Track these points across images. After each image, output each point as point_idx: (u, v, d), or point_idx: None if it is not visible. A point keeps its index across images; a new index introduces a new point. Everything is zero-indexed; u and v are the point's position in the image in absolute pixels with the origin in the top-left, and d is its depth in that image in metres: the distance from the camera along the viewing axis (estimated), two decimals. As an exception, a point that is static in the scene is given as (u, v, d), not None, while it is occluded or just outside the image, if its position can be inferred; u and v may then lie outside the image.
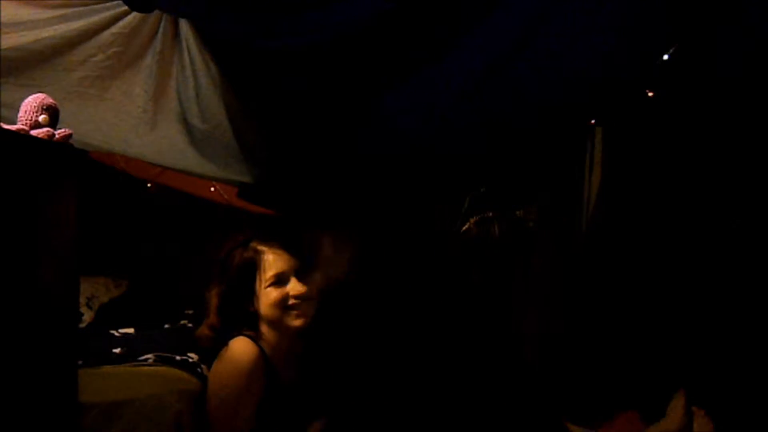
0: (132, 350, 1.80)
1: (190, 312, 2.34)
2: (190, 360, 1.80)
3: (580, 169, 1.92)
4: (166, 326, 2.21)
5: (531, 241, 2.06)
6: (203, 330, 1.75)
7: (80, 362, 1.45)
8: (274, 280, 1.74)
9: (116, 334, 1.95)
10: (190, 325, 2.20)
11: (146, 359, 1.76)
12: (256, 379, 1.67)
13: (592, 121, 1.83)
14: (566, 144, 1.99)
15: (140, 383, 1.64)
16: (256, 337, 1.72)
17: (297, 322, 1.75)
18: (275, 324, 1.75)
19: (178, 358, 1.79)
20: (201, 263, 1.85)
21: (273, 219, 2.42)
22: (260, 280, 1.73)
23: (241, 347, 1.68)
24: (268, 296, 1.73)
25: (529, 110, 1.64)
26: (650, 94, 1.51)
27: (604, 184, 1.84)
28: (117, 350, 1.79)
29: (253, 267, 1.74)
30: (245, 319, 1.75)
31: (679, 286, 0.76)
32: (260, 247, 1.77)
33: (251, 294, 1.74)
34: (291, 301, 1.74)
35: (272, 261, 1.75)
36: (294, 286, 1.75)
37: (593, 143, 1.88)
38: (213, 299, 1.75)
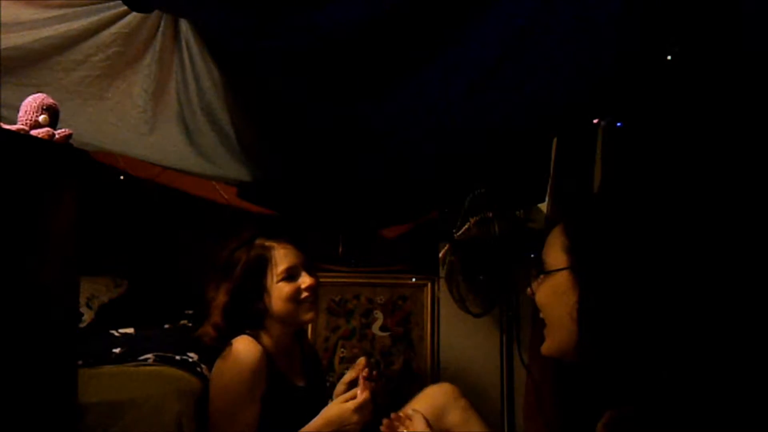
0: (132, 350, 1.80)
1: (190, 312, 2.34)
2: (190, 360, 1.80)
3: (582, 169, 1.91)
4: (166, 326, 2.21)
5: (531, 241, 2.06)
6: (206, 329, 1.74)
7: (80, 362, 1.45)
8: (286, 274, 1.75)
9: (116, 334, 1.95)
10: (190, 325, 2.21)
11: (146, 359, 1.76)
12: (260, 378, 1.67)
13: (594, 121, 1.83)
14: (568, 144, 1.99)
15: (140, 383, 1.65)
16: (257, 336, 1.73)
17: (308, 315, 1.78)
18: (286, 319, 1.76)
19: (177, 357, 1.79)
20: (201, 263, 1.85)
21: (273, 219, 2.42)
22: (271, 275, 1.74)
23: (244, 346, 1.68)
24: (280, 291, 1.74)
25: (529, 110, 1.64)
26: (652, 94, 1.51)
27: (604, 184, 1.84)
28: (117, 350, 1.79)
29: (262, 263, 1.75)
30: (251, 317, 1.75)
31: (681, 289, 0.75)
32: (268, 243, 1.78)
33: (261, 290, 1.74)
34: (303, 295, 1.75)
35: (283, 256, 1.76)
36: (305, 280, 1.76)
37: (594, 143, 1.88)
38: (219, 298, 1.74)
